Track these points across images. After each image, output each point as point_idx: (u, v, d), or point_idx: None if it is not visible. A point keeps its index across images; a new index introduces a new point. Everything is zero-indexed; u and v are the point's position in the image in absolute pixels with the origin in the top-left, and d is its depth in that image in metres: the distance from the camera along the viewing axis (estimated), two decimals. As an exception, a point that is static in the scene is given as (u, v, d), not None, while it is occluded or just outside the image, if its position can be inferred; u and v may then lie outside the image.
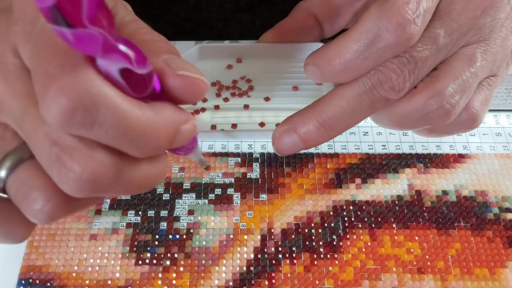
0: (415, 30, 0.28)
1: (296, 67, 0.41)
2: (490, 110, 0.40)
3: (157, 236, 0.34)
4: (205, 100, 0.39)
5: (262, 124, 0.38)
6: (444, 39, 0.30)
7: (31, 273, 0.32)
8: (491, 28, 0.31)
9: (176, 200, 0.36)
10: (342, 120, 0.31)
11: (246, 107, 0.39)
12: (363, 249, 0.34)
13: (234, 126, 0.38)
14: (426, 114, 0.30)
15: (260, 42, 0.41)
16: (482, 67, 0.31)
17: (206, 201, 0.36)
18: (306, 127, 0.31)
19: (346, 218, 0.35)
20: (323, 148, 0.38)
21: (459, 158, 0.38)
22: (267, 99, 0.39)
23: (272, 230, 0.34)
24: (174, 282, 0.32)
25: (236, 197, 0.36)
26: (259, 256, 0.33)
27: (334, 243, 0.34)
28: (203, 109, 0.39)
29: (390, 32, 0.28)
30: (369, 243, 0.34)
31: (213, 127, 0.38)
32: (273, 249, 0.34)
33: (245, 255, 0.33)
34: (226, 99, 0.39)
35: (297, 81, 0.40)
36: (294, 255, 0.33)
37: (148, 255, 0.33)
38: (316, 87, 0.40)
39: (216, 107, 0.39)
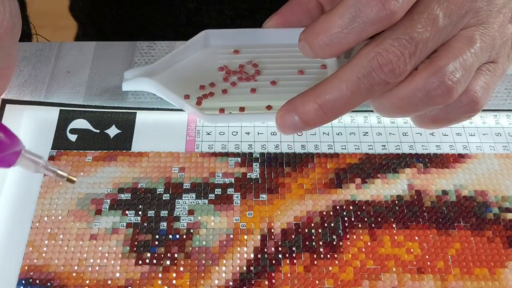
0: (396, 6, 0.29)
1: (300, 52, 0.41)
2: (490, 110, 0.40)
3: (157, 236, 0.34)
4: (213, 85, 0.40)
5: (269, 107, 0.39)
6: (444, 21, 0.30)
7: (31, 273, 0.32)
8: (488, 12, 0.32)
9: (176, 200, 0.36)
10: (340, 103, 0.31)
11: (253, 91, 0.39)
12: (363, 249, 0.34)
13: (242, 109, 0.38)
14: (428, 92, 0.31)
15: (263, 28, 0.41)
16: (481, 48, 0.31)
17: (206, 201, 0.36)
18: (305, 108, 0.32)
19: (346, 218, 0.35)
20: (323, 148, 0.38)
21: (459, 158, 0.38)
22: (273, 83, 0.40)
23: (272, 230, 0.34)
24: (174, 282, 0.32)
25: (236, 197, 0.36)
26: (259, 256, 0.33)
27: (334, 243, 0.34)
28: (211, 93, 0.39)
29: (370, 7, 0.29)
30: (369, 243, 0.34)
31: (222, 110, 0.38)
32: (273, 249, 0.34)
33: (245, 255, 0.33)
34: (233, 84, 0.40)
35: (302, 65, 0.41)
36: (294, 255, 0.33)
37: (148, 255, 0.33)
38: (321, 70, 0.40)
39: (224, 91, 0.39)
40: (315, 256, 0.33)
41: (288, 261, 0.33)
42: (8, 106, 0.39)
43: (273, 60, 0.41)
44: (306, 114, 0.32)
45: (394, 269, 0.33)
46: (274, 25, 0.41)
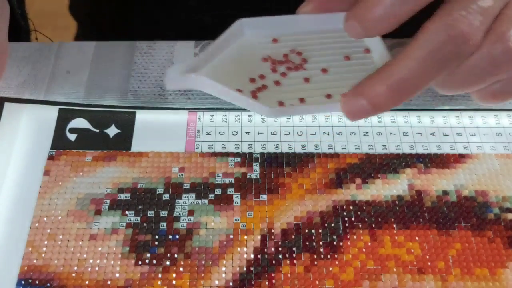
0: None
1: (341, 37, 0.39)
2: (490, 110, 0.40)
3: (157, 236, 0.34)
4: (262, 77, 0.37)
5: (328, 96, 0.37)
6: None
7: (31, 273, 0.32)
8: None
9: (176, 200, 0.35)
10: (411, 82, 0.30)
11: (306, 80, 0.37)
12: (363, 249, 0.34)
13: (301, 100, 0.36)
14: (493, 60, 0.30)
15: (298, 14, 0.39)
16: None
17: (206, 201, 0.36)
18: (374, 91, 0.30)
19: (346, 218, 0.35)
20: (324, 148, 0.38)
21: (460, 158, 0.38)
22: (324, 70, 0.38)
23: (272, 230, 0.34)
24: (174, 282, 0.32)
25: (236, 197, 0.36)
26: (259, 256, 0.33)
27: (334, 243, 0.34)
28: (265, 86, 0.36)
29: None
30: (369, 243, 0.34)
31: (281, 103, 0.36)
32: (273, 249, 0.34)
33: (245, 255, 0.33)
34: (283, 74, 0.37)
35: (346, 50, 0.38)
36: (294, 255, 0.33)
37: (148, 255, 0.33)
38: (365, 55, 0.38)
39: (276, 83, 0.37)
40: (315, 256, 0.33)
41: (288, 262, 0.33)
42: (6, 105, 0.39)
43: (316, 48, 0.39)
44: (375, 98, 0.30)
45: (394, 270, 0.33)
46: (309, 11, 0.39)
